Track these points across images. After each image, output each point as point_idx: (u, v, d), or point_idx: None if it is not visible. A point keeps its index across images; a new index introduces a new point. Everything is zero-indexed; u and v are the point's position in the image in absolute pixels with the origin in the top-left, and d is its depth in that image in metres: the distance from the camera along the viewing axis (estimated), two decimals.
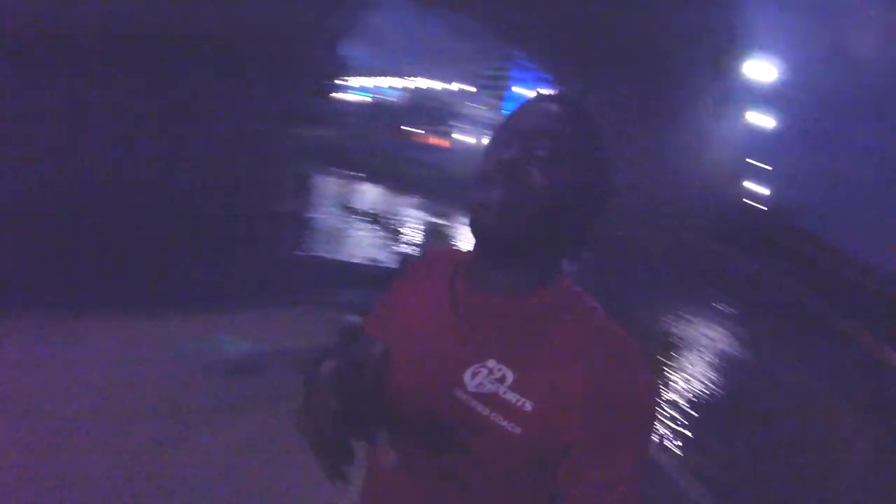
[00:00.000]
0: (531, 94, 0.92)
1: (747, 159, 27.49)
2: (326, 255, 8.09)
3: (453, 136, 52.72)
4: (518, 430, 0.66)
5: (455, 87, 60.04)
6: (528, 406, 0.66)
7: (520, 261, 0.73)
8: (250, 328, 4.05)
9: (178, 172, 6.62)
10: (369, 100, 57.05)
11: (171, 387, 3.08)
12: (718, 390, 7.07)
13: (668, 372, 6.97)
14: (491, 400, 0.67)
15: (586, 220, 0.75)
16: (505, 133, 0.74)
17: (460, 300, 0.76)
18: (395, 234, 12.80)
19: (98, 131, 6.29)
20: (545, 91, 0.85)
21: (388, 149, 33.83)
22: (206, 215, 6.31)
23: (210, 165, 6.81)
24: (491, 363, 0.69)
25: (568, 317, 0.71)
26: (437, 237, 16.78)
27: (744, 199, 26.38)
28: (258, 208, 7.11)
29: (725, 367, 8.32)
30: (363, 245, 9.75)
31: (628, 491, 0.64)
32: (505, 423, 0.66)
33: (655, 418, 0.73)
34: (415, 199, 24.08)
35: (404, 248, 11.14)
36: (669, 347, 7.75)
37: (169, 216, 5.91)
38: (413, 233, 15.75)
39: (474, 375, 0.69)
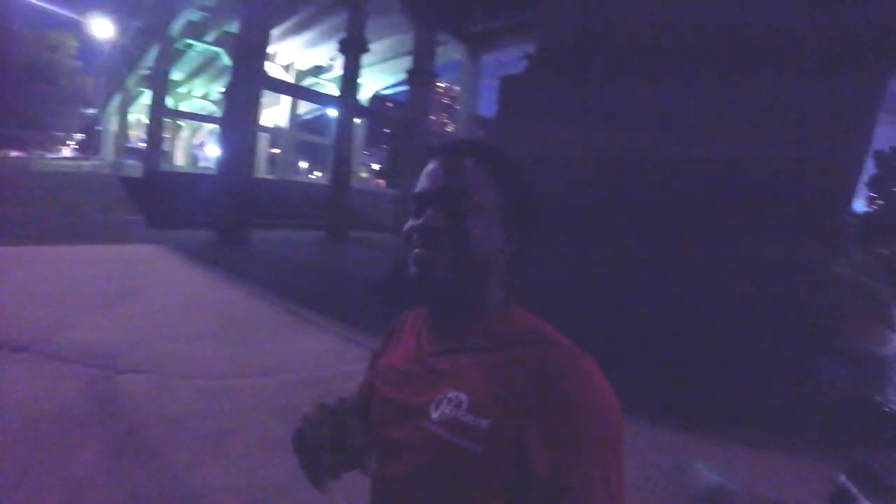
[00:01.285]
0: None
1: None
2: (885, 405, 6.08)
3: None
4: (479, 449, 0.70)
5: None
6: (485, 424, 0.70)
7: (458, 302, 0.81)
8: (734, 460, 3.72)
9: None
10: None
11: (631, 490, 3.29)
12: None
13: None
14: (452, 425, 0.73)
15: (510, 256, 0.82)
16: (418, 195, 0.82)
17: (424, 344, 0.86)
18: None
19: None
20: (455, 140, 0.88)
21: None
22: (760, 330, 5.81)
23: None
24: (450, 393, 0.75)
25: (516, 339, 0.76)
26: None
27: None
28: (824, 342, 5.99)
29: None
30: None
31: (604, 495, 0.65)
32: (467, 444, 0.70)
33: (618, 422, 0.70)
34: None
35: None
36: None
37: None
38: None
39: (437, 407, 0.76)
